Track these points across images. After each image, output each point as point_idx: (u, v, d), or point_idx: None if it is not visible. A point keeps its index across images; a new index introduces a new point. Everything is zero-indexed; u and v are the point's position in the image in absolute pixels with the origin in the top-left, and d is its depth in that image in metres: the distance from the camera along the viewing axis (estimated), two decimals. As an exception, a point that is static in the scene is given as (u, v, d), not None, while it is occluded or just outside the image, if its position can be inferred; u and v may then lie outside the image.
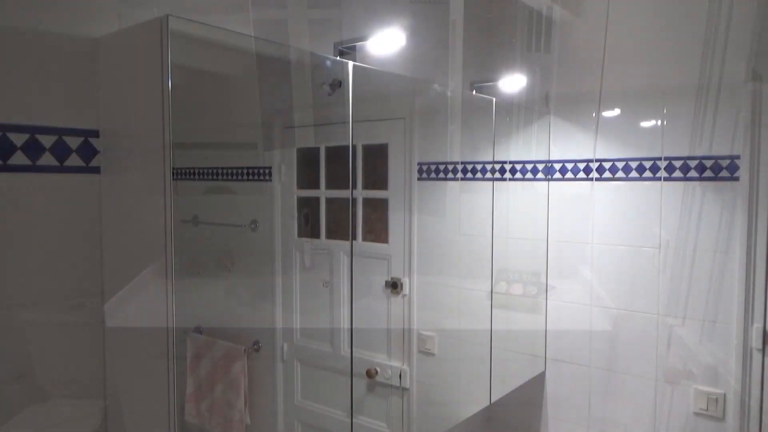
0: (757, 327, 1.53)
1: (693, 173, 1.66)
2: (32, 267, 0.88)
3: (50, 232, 0.90)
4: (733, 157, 1.59)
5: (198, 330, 0.96)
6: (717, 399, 1.61)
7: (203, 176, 0.98)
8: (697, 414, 1.65)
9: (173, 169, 0.88)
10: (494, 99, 1.65)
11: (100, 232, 0.95)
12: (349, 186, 1.20)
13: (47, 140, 0.90)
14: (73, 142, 0.93)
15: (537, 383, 1.96)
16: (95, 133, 0.96)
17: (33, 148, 0.88)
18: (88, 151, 0.95)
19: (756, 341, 1.55)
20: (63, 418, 0.92)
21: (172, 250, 0.85)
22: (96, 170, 0.96)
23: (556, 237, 1.92)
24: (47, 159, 0.91)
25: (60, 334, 0.91)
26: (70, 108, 0.93)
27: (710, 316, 1.63)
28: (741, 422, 1.58)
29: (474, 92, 1.62)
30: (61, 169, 0.92)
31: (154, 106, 0.84)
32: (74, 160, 0.93)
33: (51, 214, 0.91)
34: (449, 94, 1.51)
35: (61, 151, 0.91)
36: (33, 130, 0.89)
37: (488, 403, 1.65)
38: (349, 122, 1.17)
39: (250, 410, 1.02)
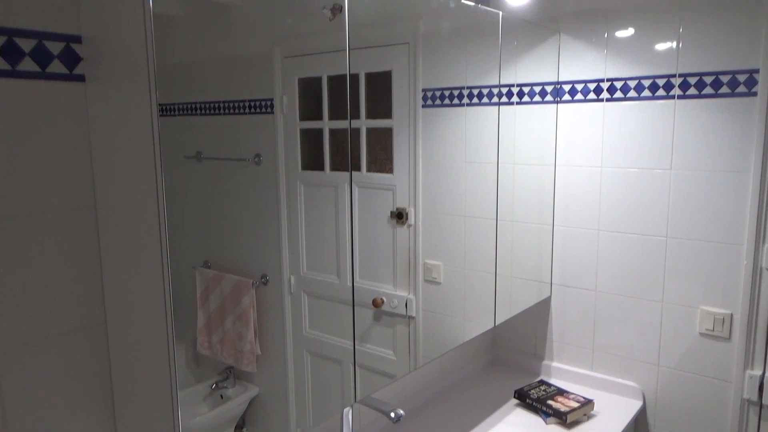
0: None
1: (708, 90, 1.60)
2: (19, 177, 0.88)
3: (36, 140, 0.88)
4: (751, 71, 1.52)
5: (206, 265, 0.97)
6: (724, 319, 1.63)
7: (204, 111, 0.96)
8: (702, 335, 1.68)
9: (173, 104, 0.86)
10: (501, 13, 1.57)
11: (90, 144, 0.94)
12: (353, 116, 1.17)
13: (27, 44, 0.86)
14: (54, 47, 0.89)
15: (542, 308, 1.99)
16: (77, 39, 0.92)
17: (12, 52, 0.85)
18: (70, 58, 0.91)
19: (767, 261, 1.55)
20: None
21: (163, 184, 0.83)
22: (80, 78, 0.93)
23: (564, 161, 1.88)
24: (28, 64, 0.87)
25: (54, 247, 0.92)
26: (49, 11, 0.88)
27: (721, 237, 1.62)
28: (747, 342, 1.60)
29: (479, 5, 1.54)
30: (44, 76, 0.88)
31: (137, 17, 0.80)
32: (57, 67, 0.90)
33: (36, 123, 0.88)
34: (452, 5, 1.42)
35: (42, 56, 0.87)
36: (10, 32, 0.85)
37: (493, 325, 1.68)
38: (346, 48, 1.12)
39: (260, 341, 1.04)
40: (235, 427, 1.03)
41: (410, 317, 1.39)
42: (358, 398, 1.22)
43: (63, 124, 0.92)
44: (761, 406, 1.61)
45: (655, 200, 1.72)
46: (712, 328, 1.65)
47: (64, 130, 0.92)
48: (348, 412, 1.31)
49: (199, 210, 0.93)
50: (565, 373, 1.94)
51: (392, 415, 1.22)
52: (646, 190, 1.73)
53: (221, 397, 0.97)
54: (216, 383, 0.98)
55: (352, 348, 1.22)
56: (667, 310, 1.74)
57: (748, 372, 1.60)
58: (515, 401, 1.80)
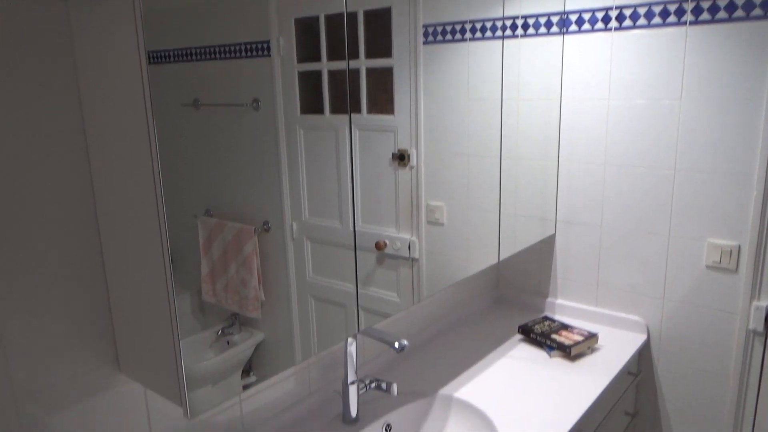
0: (779, 178, 1.50)
1: (722, 14, 1.52)
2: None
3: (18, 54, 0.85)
4: (768, -7, 1.44)
5: (208, 213, 0.95)
6: (731, 251, 1.62)
7: (200, 56, 0.91)
8: (709, 267, 1.67)
9: (167, 50, 0.82)
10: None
11: (77, 84, 0.91)
12: (351, 56, 1.12)
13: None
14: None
15: (546, 246, 1.98)
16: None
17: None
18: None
19: (776, 192, 1.52)
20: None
21: (155, 133, 0.80)
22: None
23: (570, 95, 1.82)
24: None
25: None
26: None
27: (730, 168, 1.59)
28: (754, 273, 1.60)
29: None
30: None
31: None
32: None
33: (16, 41, 0.84)
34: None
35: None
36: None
37: (497, 260, 1.67)
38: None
39: (264, 288, 1.04)
40: (242, 372, 1.05)
41: (413, 259, 1.38)
42: (361, 330, 1.23)
43: (45, 44, 0.87)
44: (767, 336, 1.63)
45: (664, 132, 1.68)
46: (719, 261, 1.64)
47: (47, 51, 0.87)
48: (352, 343, 1.32)
49: (199, 158, 0.90)
50: (569, 310, 1.96)
51: (396, 345, 1.22)
52: (654, 122, 1.69)
53: (227, 343, 0.98)
54: (222, 330, 0.98)
55: (355, 291, 1.23)
56: (673, 244, 1.73)
57: (755, 303, 1.61)
58: (519, 336, 1.83)
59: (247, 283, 1.01)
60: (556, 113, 1.84)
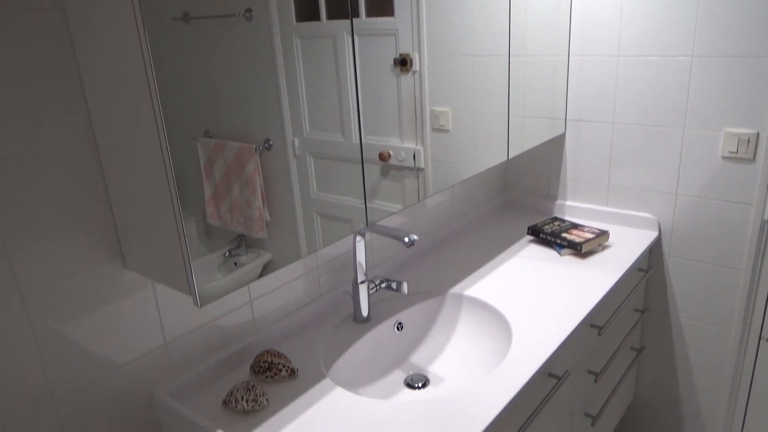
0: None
1: None
2: None
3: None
4: None
5: (207, 134, 0.93)
6: (749, 139, 1.57)
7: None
8: (725, 158, 1.63)
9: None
10: None
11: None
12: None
13: None
14: None
15: (556, 146, 1.94)
16: None
17: None
18: None
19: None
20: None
21: (149, 49, 0.77)
22: None
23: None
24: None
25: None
26: None
27: (750, 50, 1.50)
28: (772, 161, 1.55)
29: None
30: None
31: None
32: None
33: None
34: None
35: None
36: None
37: (506, 158, 1.64)
38: None
39: (269, 207, 1.03)
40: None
41: (419, 169, 1.36)
42: (369, 224, 1.23)
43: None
44: (780, 225, 1.61)
45: (681, 17, 1.58)
46: (735, 150, 1.60)
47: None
48: (360, 241, 1.33)
49: (193, 78, 0.86)
50: (578, 211, 1.95)
51: (406, 239, 1.22)
52: (671, 6, 1.59)
53: (235, 264, 0.99)
54: (229, 251, 0.98)
55: (362, 203, 1.22)
56: (688, 137, 1.68)
57: (770, 193, 1.58)
58: (529, 237, 1.83)
59: (251, 203, 1.01)
60: (566, 3, 1.73)
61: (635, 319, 1.83)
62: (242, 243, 0.99)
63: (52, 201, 0.92)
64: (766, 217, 1.61)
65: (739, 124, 1.58)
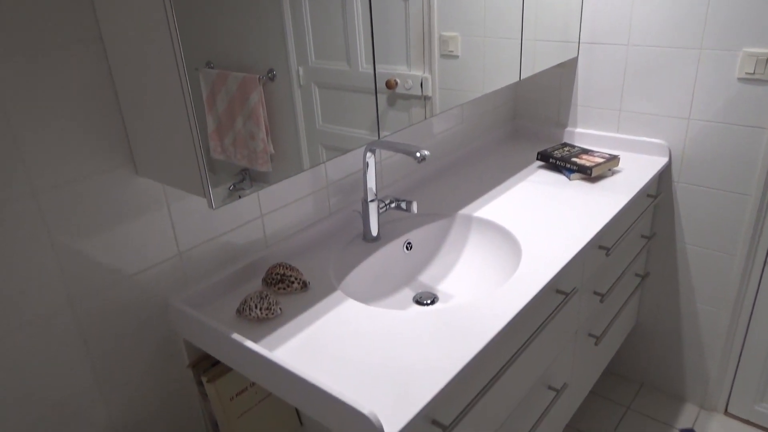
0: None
1: None
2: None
3: None
4: None
5: (209, 65, 0.90)
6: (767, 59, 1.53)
7: None
8: (741, 80, 1.59)
9: None
10: None
11: None
12: None
13: None
14: None
15: (567, 71, 1.89)
16: None
17: None
18: None
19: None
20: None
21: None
22: None
23: None
24: None
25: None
26: None
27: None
28: (790, 80, 1.52)
29: None
30: None
31: None
32: None
33: None
34: None
35: None
36: None
37: (518, 78, 1.61)
38: None
39: (273, 140, 1.01)
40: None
41: (426, 97, 1.33)
42: (380, 139, 1.21)
43: None
44: (793, 149, 1.59)
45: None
46: (752, 72, 1.56)
47: None
48: (370, 156, 1.33)
49: (192, 6, 0.83)
50: (589, 138, 1.92)
51: (417, 154, 1.21)
52: None
53: (239, 197, 0.98)
54: (233, 185, 0.97)
55: (372, 137, 1.20)
56: (705, 58, 1.63)
57: (785, 115, 1.56)
58: (538, 163, 1.82)
59: (255, 136, 0.99)
60: None
61: (642, 244, 1.84)
62: (246, 177, 0.98)
63: (64, 103, 0.91)
64: (779, 141, 1.59)
65: (758, 43, 1.54)
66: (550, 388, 1.44)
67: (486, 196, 1.60)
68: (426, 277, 1.44)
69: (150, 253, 1.09)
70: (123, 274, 1.05)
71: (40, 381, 0.98)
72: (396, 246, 1.43)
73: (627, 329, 2.01)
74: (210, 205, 0.90)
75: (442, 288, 1.41)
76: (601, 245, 1.51)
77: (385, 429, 0.85)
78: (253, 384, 1.19)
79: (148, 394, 1.16)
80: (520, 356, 1.23)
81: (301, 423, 1.30)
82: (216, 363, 1.18)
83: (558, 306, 1.29)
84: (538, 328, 1.22)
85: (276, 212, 1.31)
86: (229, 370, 1.16)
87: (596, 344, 1.60)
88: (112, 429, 1.12)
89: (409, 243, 1.46)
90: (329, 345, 1.04)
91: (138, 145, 0.99)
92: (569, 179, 1.68)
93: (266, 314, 1.11)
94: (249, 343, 0.99)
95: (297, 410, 1.29)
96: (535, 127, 2.05)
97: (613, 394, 2.14)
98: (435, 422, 0.99)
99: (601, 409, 2.08)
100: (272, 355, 0.96)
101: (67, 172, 0.94)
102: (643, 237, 1.85)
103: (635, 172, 1.70)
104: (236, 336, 1.01)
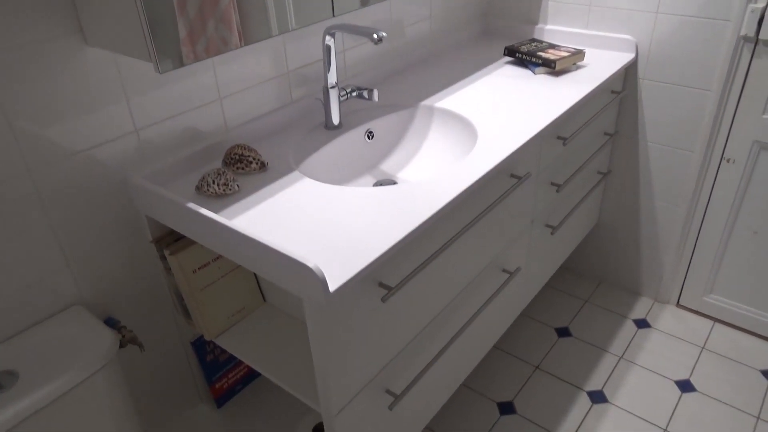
0: None
1: None
2: None
3: None
4: None
5: None
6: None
7: None
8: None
9: None
10: None
11: None
12: None
13: None
14: None
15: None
16: None
17: None
18: None
19: None
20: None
21: None
22: None
23: None
24: None
25: None
26: None
27: None
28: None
29: None
30: None
31: None
32: None
33: None
34: None
35: None
36: None
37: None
38: None
39: (246, 44, 1.03)
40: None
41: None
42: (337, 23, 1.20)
43: None
44: (756, 42, 1.60)
45: None
46: (719, -41, 1.54)
47: None
48: (330, 40, 1.32)
49: None
50: (559, 35, 1.91)
51: (374, 36, 1.20)
52: None
53: (185, 64, 0.99)
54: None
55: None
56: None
57: (751, 5, 1.55)
58: (506, 58, 1.81)
59: (228, 41, 0.99)
60: None
61: (604, 141, 1.88)
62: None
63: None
64: (742, 33, 1.60)
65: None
66: (504, 270, 1.52)
67: (450, 89, 1.61)
68: (387, 165, 1.48)
69: (105, 127, 1.10)
70: (77, 147, 1.07)
71: (8, 257, 1.03)
72: (357, 134, 1.46)
73: (588, 227, 2.08)
74: (156, 69, 0.91)
75: (402, 175, 1.45)
76: (559, 135, 1.54)
77: (329, 284, 0.91)
78: (216, 259, 1.25)
79: (114, 269, 1.21)
80: (470, 231, 1.29)
81: (264, 299, 1.37)
82: (179, 239, 1.23)
83: (511, 188, 1.34)
84: (489, 206, 1.27)
85: (235, 95, 1.32)
86: (191, 244, 1.21)
87: (552, 234, 1.67)
88: (82, 302, 1.17)
89: (370, 132, 1.48)
90: (284, 217, 1.08)
91: (86, 14, 0.98)
92: (534, 73, 1.69)
93: (224, 190, 1.14)
94: (204, 211, 1.03)
95: (260, 287, 1.35)
96: (506, 25, 2.02)
97: (573, 289, 2.25)
98: (382, 285, 1.05)
99: (560, 303, 2.19)
100: (226, 220, 1.00)
101: (10, 39, 0.93)
102: (606, 134, 1.88)
103: (600, 67, 1.71)
104: (192, 205, 1.05)
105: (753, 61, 1.63)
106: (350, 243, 0.99)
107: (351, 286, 0.94)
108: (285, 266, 0.93)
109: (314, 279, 0.89)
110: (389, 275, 1.07)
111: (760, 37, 1.58)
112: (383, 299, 1.03)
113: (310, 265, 0.88)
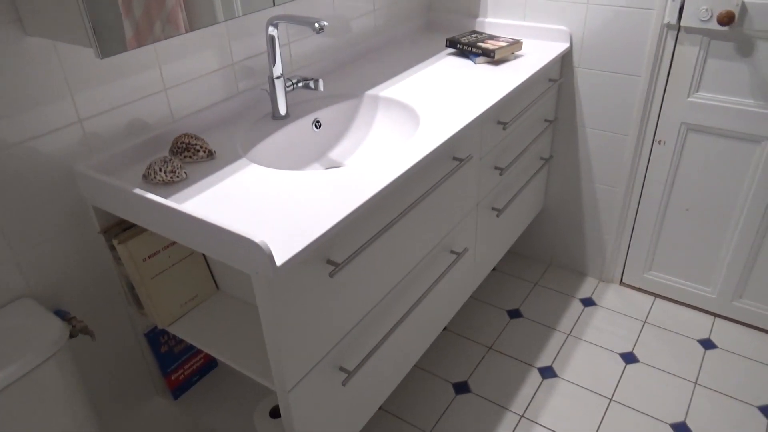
0: None
1: None
2: None
3: None
4: None
5: None
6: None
7: None
8: (630, -41, 1.67)
9: None
10: None
11: None
12: None
13: None
14: None
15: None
16: None
17: None
18: None
19: None
20: None
21: None
22: None
23: None
24: None
25: None
26: None
27: None
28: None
29: None
30: None
31: None
32: None
33: None
34: None
35: None
36: None
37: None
38: None
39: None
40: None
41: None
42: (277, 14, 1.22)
43: None
44: (679, 29, 1.71)
45: None
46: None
47: None
48: (273, 30, 1.35)
49: None
50: (498, 27, 1.99)
51: (316, 25, 1.24)
52: None
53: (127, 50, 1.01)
54: None
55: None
56: (600, -58, 1.70)
57: (670, -5, 1.66)
58: (448, 50, 1.88)
59: (172, 26, 1.00)
60: None
61: (544, 128, 1.96)
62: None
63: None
64: (665, 21, 1.70)
65: (647, -76, 1.61)
66: (452, 252, 1.58)
67: (394, 79, 1.66)
68: (335, 153, 1.51)
69: (47, 118, 1.10)
70: (19, 138, 1.07)
71: (-55, 239, 1.02)
72: (305, 123, 1.49)
73: (534, 212, 2.17)
74: (97, 54, 0.92)
75: (349, 162, 1.49)
76: (499, 120, 1.61)
77: (276, 259, 0.94)
78: (167, 247, 1.26)
79: (63, 261, 1.21)
80: (415, 211, 1.33)
81: (217, 287, 1.39)
82: (127, 228, 1.24)
83: (453, 170, 1.39)
84: (433, 186, 1.33)
85: (181, 86, 1.34)
86: (140, 233, 1.22)
87: (498, 216, 1.74)
88: (31, 294, 1.17)
89: (318, 121, 1.52)
90: (232, 201, 1.10)
91: (24, 3, 0.99)
92: (475, 63, 1.76)
93: (171, 177, 1.16)
94: (151, 196, 1.05)
95: (212, 275, 1.37)
96: (448, 18, 2.09)
97: (523, 273, 2.33)
98: (330, 261, 1.09)
99: (511, 286, 2.27)
100: (173, 203, 1.02)
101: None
102: (547, 121, 1.97)
103: (537, 56, 1.79)
104: (139, 190, 1.06)
105: (677, 47, 1.74)
106: (297, 222, 1.03)
107: (298, 261, 0.97)
108: (233, 244, 0.95)
109: (261, 254, 0.92)
110: (336, 252, 1.10)
111: (682, 24, 1.69)
112: (331, 275, 1.06)
113: (257, 240, 0.91)
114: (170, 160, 1.17)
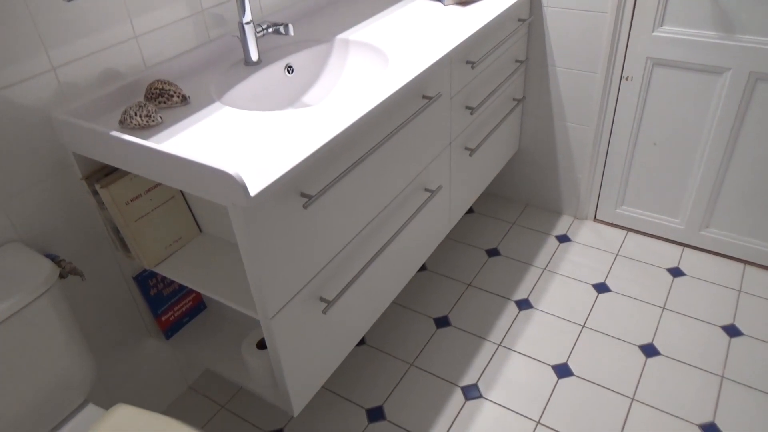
0: None
1: None
2: None
3: None
4: None
5: None
6: None
7: None
8: None
9: None
10: None
11: None
12: None
13: None
14: None
15: None
16: None
17: None
18: None
19: None
20: None
21: None
22: None
23: None
24: None
25: None
26: None
27: None
28: None
29: None
30: None
31: None
32: None
33: None
34: None
35: None
36: None
37: None
38: None
39: None
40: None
41: None
42: None
43: None
44: None
45: None
46: None
47: None
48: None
49: None
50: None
51: None
52: None
53: None
54: None
55: None
56: None
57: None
58: (418, -7, 1.91)
59: None
60: None
61: (515, 68, 2.00)
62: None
63: None
64: (629, -45, 1.73)
65: None
66: (426, 189, 1.64)
67: (364, 23, 1.69)
68: (308, 97, 1.55)
69: (20, 67, 1.13)
70: (-2, 86, 1.10)
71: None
72: (277, 68, 1.52)
73: (509, 153, 2.22)
74: (64, -3, 0.95)
75: (322, 105, 1.52)
76: (468, 60, 1.65)
77: (250, 190, 0.99)
78: (148, 191, 1.31)
79: (48, 208, 1.25)
80: (387, 147, 1.38)
81: (200, 230, 1.44)
82: (109, 173, 1.28)
83: (423, 107, 1.44)
84: (403, 123, 1.37)
85: (151, 34, 1.36)
86: (121, 177, 1.26)
87: (471, 155, 1.79)
88: (19, 239, 1.22)
89: (290, 66, 1.55)
90: (207, 142, 1.15)
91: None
92: (444, 5, 1.78)
93: (147, 121, 1.20)
94: (129, 137, 1.09)
95: (195, 219, 1.42)
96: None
97: (501, 214, 2.41)
98: (303, 194, 1.14)
99: (489, 227, 2.34)
100: (150, 143, 1.06)
101: None
102: (518, 61, 2.01)
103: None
104: (116, 132, 1.10)
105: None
106: (270, 157, 1.08)
107: (272, 193, 1.03)
108: (208, 177, 1.01)
109: (235, 185, 0.97)
110: (310, 185, 1.16)
111: None
112: (305, 206, 1.12)
113: (231, 172, 0.96)
114: (145, 105, 1.21)
